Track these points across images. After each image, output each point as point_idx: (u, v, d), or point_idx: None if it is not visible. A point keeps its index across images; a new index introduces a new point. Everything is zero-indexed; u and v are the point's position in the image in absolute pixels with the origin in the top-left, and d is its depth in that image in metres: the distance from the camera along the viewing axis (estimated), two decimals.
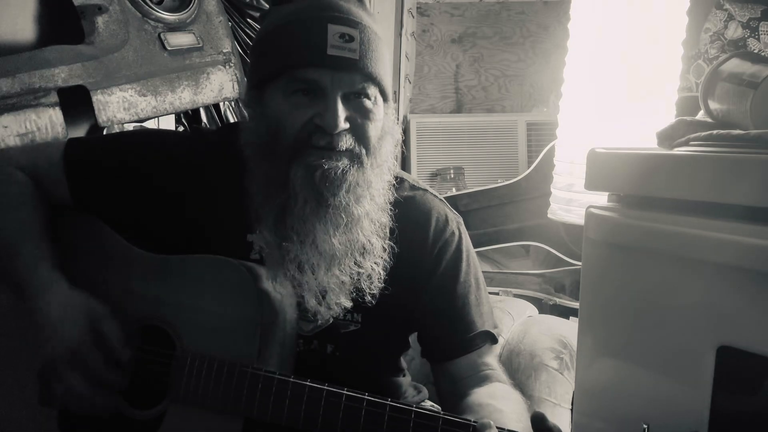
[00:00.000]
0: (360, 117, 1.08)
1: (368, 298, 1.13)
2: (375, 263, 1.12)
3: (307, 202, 1.07)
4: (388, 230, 1.15)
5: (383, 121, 1.13)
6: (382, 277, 1.13)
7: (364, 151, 1.09)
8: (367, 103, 1.09)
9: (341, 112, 1.06)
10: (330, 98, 1.06)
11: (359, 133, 1.08)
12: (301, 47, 1.06)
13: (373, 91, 1.09)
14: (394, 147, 1.16)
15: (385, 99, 1.13)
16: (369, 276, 1.12)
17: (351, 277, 1.11)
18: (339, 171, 1.06)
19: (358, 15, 1.09)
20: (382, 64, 1.11)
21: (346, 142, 1.07)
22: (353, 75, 1.07)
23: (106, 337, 1.06)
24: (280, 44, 1.09)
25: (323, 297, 1.11)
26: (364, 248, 1.11)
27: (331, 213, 1.07)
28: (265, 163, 1.09)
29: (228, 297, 1.08)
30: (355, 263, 1.11)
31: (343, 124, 1.06)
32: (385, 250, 1.14)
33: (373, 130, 1.10)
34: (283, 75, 1.08)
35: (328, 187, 1.06)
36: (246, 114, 1.22)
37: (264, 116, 1.10)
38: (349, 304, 1.12)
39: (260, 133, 1.10)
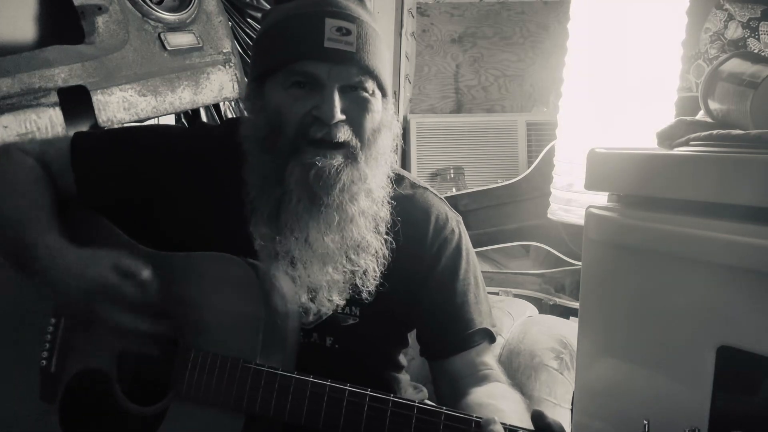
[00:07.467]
0: (356, 108, 1.09)
1: (365, 294, 1.14)
2: (370, 260, 1.13)
3: (300, 200, 1.08)
4: (387, 225, 1.16)
5: (381, 114, 1.13)
6: (378, 274, 1.14)
7: (359, 144, 1.10)
8: (364, 95, 1.10)
9: (337, 103, 1.07)
10: (327, 90, 1.07)
11: (355, 123, 1.09)
12: (298, 41, 1.08)
13: (370, 84, 1.11)
14: (393, 141, 1.17)
15: (384, 94, 1.14)
16: (365, 272, 1.13)
17: (344, 275, 1.12)
18: (333, 170, 1.07)
19: (356, 11, 1.11)
20: (380, 58, 1.12)
21: (344, 134, 1.08)
22: (350, 68, 1.08)
23: (130, 268, 1.06)
24: (279, 39, 1.11)
25: (315, 293, 1.12)
26: (359, 245, 1.12)
27: (324, 212, 1.09)
28: (264, 157, 1.11)
29: (231, 294, 1.08)
30: (348, 260, 1.12)
31: (340, 115, 1.07)
32: (382, 245, 1.14)
33: (369, 121, 1.11)
34: (282, 68, 1.10)
35: (321, 186, 1.07)
36: (245, 109, 1.22)
37: (263, 110, 1.12)
38: (342, 301, 1.13)
39: (259, 127, 1.12)
